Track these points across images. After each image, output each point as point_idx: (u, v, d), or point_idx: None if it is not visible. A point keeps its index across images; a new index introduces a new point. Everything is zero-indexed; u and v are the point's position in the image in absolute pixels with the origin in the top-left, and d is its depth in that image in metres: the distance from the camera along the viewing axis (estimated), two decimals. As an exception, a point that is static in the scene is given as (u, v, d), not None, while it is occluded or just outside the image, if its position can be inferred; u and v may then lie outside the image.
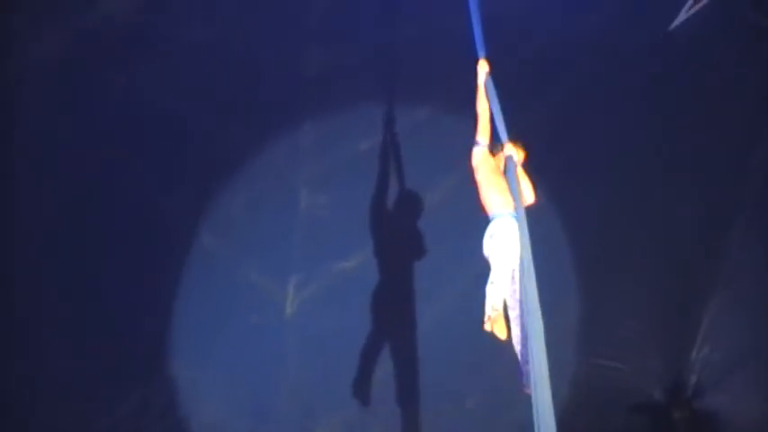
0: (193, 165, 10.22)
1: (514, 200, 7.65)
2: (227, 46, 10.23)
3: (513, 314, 7.67)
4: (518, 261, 7.46)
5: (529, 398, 7.25)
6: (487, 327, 7.41)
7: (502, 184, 7.77)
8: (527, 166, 7.93)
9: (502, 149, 7.87)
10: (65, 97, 9.94)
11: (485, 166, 7.88)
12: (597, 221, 10.53)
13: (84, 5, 9.98)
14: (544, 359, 7.10)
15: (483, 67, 8.05)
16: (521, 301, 7.47)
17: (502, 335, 7.42)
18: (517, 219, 7.56)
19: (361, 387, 10.13)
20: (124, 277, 9.99)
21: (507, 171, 7.78)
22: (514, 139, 7.87)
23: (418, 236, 10.20)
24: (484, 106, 7.95)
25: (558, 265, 10.30)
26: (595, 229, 10.55)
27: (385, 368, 10.26)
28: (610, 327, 10.62)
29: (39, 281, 9.83)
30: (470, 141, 7.97)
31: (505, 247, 7.53)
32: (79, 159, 9.95)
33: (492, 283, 7.48)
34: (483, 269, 7.62)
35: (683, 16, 10.30)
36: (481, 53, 8.09)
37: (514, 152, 7.88)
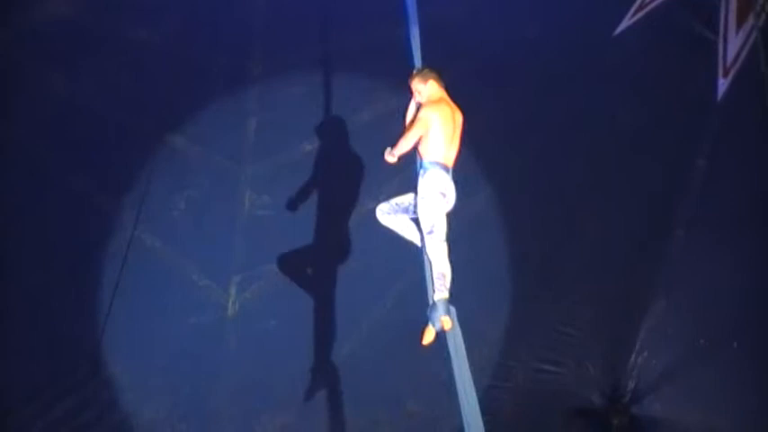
0: (135, 163, 10.17)
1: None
2: (172, 45, 10.21)
3: None
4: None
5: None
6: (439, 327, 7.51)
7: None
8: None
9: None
10: (4, 94, 9.87)
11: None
12: (537, 226, 10.55)
13: (26, 3, 9.97)
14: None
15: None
16: None
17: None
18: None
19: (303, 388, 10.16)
20: (62, 277, 9.93)
21: None
22: None
23: (361, 237, 10.20)
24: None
25: (497, 268, 10.35)
26: (535, 233, 10.56)
27: (327, 369, 10.25)
28: (549, 331, 10.64)
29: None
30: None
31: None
32: (17, 157, 9.90)
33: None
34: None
35: (626, 23, 10.37)
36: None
37: None
